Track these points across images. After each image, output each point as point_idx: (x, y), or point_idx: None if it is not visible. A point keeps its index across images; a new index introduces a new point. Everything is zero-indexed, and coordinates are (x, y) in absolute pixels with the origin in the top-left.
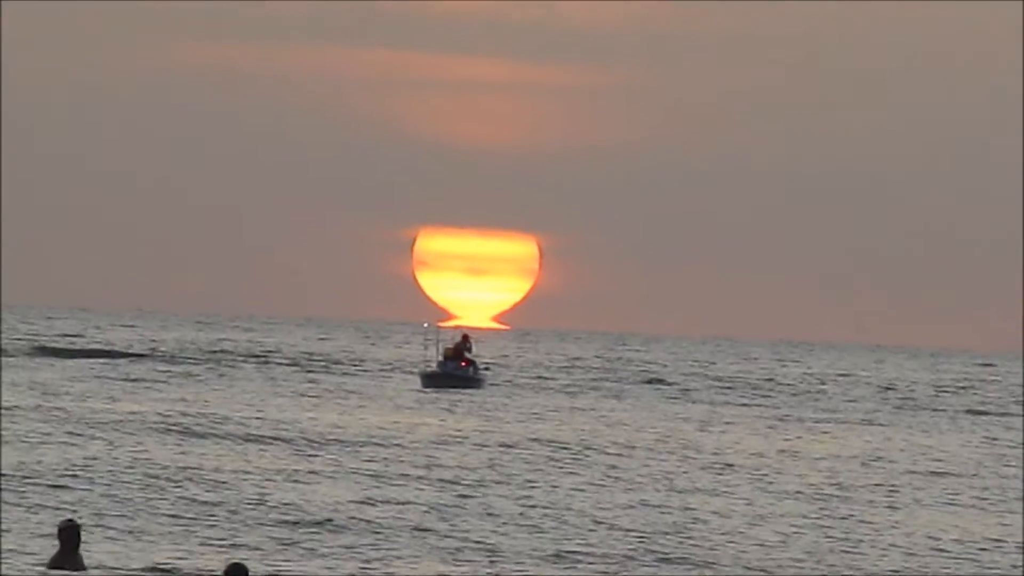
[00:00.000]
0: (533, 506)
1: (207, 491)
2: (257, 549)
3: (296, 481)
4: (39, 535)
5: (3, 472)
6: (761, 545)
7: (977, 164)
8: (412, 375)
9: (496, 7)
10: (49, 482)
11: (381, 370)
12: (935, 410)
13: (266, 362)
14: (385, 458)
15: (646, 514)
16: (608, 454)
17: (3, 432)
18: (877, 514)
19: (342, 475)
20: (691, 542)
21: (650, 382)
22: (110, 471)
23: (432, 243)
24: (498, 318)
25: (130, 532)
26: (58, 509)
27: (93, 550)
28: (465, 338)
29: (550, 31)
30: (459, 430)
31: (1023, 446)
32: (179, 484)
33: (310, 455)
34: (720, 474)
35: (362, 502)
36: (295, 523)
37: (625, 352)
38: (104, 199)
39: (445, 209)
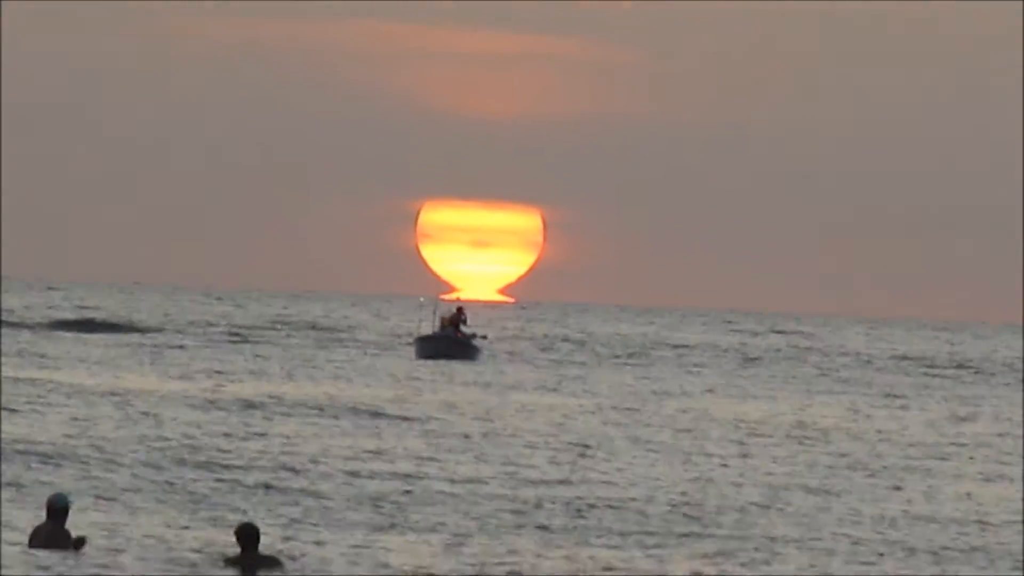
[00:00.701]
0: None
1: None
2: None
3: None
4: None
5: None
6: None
7: (977, 136)
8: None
9: None
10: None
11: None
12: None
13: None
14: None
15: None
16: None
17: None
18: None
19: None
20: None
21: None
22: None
23: (436, 216)
24: (503, 291)
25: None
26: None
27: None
28: (459, 310)
29: (554, 3)
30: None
31: None
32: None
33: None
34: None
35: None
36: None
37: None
38: (105, 174)
39: (450, 182)
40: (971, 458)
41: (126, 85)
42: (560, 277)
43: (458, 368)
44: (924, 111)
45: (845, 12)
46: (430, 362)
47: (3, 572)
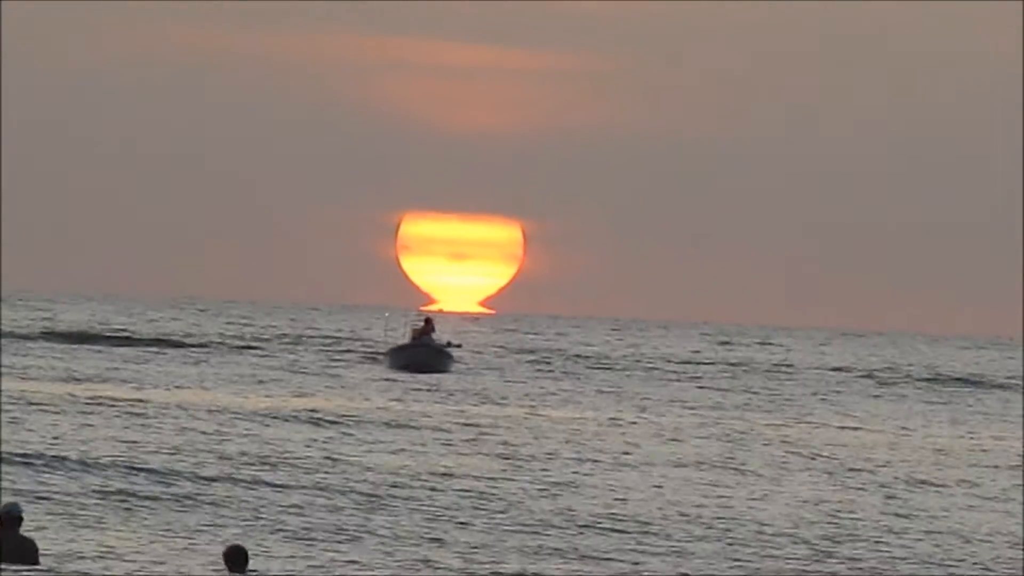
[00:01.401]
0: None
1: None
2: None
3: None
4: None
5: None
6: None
7: (973, 145)
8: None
9: None
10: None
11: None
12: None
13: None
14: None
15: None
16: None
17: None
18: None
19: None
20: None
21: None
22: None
23: (416, 227)
24: (484, 303)
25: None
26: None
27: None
28: (428, 321)
29: (532, 16)
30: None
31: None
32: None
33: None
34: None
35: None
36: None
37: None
38: (93, 184)
39: (429, 194)
40: None
41: (102, 97)
42: (540, 289)
43: (434, 379)
44: (923, 123)
45: (826, 23)
46: (405, 374)
47: None
